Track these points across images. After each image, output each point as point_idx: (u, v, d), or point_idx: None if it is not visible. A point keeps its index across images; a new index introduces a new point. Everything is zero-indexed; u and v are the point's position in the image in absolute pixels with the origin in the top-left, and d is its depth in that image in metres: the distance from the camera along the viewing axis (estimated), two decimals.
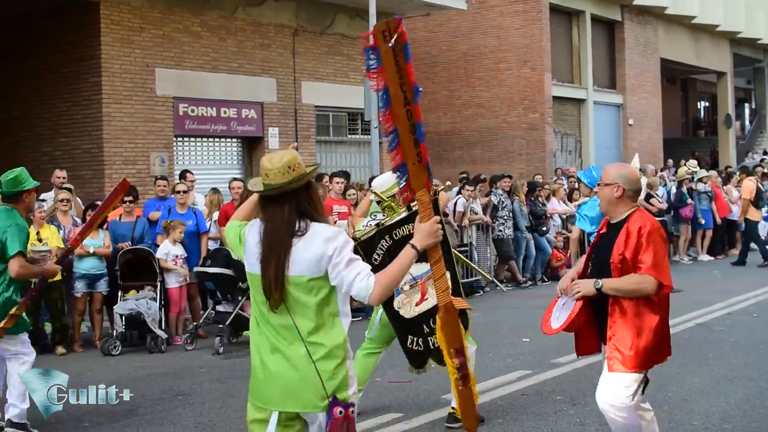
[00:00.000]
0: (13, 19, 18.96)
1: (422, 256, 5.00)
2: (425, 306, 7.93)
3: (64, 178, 14.93)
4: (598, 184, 6.31)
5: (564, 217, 20.53)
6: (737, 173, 26.11)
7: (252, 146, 21.23)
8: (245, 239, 4.88)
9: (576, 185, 19.90)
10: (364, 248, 7.71)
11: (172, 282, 13.34)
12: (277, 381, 4.69)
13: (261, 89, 21.01)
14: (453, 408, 8.31)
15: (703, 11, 38.01)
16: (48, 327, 13.26)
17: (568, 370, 10.50)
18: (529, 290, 18.38)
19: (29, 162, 18.50)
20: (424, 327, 7.98)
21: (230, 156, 21.09)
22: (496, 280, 17.94)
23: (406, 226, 7.70)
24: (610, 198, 6.16)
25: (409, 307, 7.97)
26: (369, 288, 4.58)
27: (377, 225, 7.90)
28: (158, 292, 13.07)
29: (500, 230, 18.38)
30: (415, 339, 8.00)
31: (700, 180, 23.19)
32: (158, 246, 13.66)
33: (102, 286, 13.28)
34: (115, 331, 12.90)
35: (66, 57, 18.38)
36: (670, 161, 32.74)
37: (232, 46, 20.42)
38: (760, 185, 22.39)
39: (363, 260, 4.72)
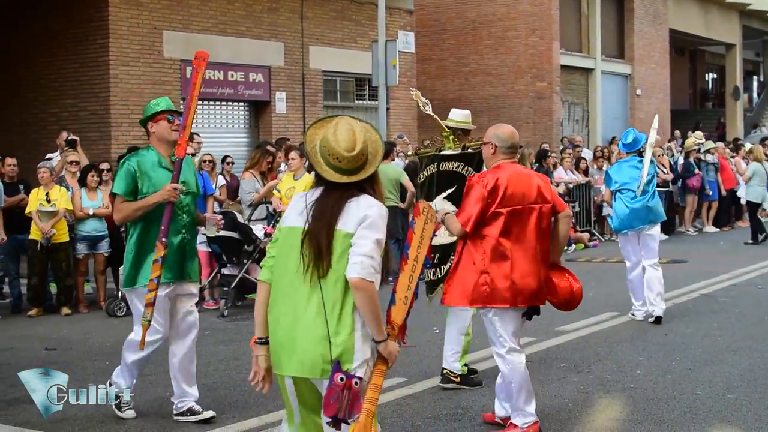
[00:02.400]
0: None
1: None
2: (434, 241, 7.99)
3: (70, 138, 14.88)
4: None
5: (571, 186, 20.47)
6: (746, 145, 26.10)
7: (259, 110, 21.16)
8: (293, 198, 4.92)
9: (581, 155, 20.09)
10: (421, 163, 8.58)
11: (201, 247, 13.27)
12: (288, 345, 4.63)
13: (269, 53, 20.92)
14: (445, 368, 8.40)
15: None
16: (53, 288, 13.32)
17: (572, 338, 10.55)
18: None
19: (37, 123, 18.60)
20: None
21: (237, 120, 21.04)
22: None
23: (453, 163, 8.26)
24: (487, 155, 7.04)
25: None
26: (362, 272, 4.50)
27: (437, 150, 8.47)
28: None
29: None
30: None
31: (707, 151, 23.17)
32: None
33: (104, 248, 13.30)
34: (120, 292, 12.92)
35: (73, 18, 18.27)
36: (678, 132, 32.64)
37: (240, 9, 20.31)
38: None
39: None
